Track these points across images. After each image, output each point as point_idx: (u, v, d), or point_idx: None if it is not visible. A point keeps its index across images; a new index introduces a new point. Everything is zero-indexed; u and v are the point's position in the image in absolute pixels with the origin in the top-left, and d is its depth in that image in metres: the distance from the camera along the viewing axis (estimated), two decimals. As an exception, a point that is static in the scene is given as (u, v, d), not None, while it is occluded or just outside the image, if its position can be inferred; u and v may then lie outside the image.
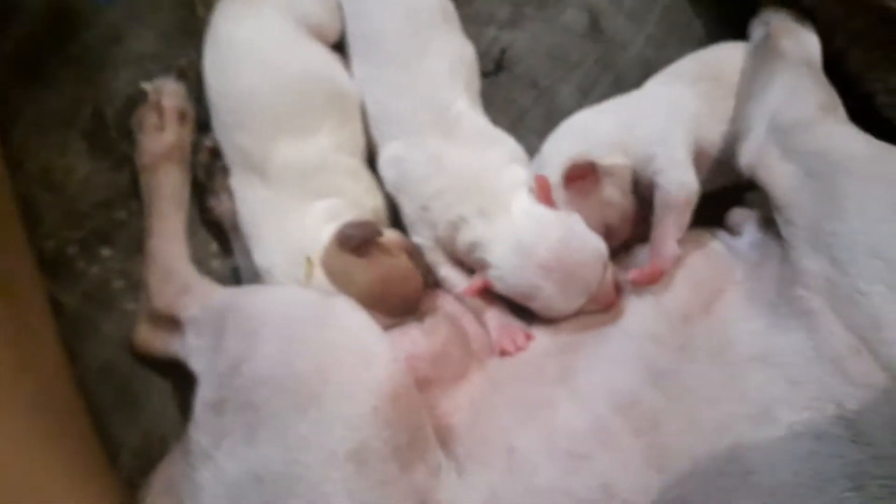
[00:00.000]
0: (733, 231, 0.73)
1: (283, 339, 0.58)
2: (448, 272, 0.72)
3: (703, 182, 0.69)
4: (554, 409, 0.60)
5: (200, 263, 0.74)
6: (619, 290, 0.69)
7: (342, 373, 0.57)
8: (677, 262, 0.67)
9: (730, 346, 0.61)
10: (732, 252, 0.69)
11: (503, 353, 0.68)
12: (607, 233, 0.70)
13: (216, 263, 0.75)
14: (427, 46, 0.71)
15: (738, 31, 0.80)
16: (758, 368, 0.58)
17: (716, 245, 0.70)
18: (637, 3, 0.83)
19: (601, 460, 0.56)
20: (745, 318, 0.62)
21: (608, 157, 0.70)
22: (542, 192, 0.67)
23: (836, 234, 0.55)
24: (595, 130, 0.73)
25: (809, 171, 0.60)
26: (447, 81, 0.70)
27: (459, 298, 0.72)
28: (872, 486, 0.48)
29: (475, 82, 0.75)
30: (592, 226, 0.69)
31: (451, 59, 0.72)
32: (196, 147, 0.73)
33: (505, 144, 0.72)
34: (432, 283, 0.73)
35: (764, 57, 0.72)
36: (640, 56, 0.82)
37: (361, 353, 0.58)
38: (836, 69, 0.72)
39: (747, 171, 0.67)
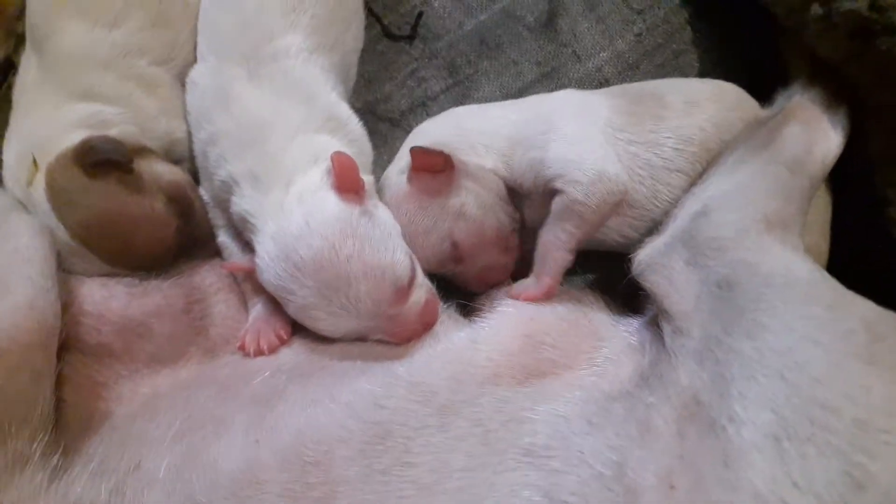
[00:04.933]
0: (639, 307, 0.57)
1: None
2: (225, 239, 0.57)
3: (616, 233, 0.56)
4: (218, 437, 0.46)
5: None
6: (429, 321, 0.52)
7: None
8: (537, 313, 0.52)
9: (512, 427, 0.46)
10: (611, 328, 0.53)
11: (242, 349, 0.53)
12: (453, 253, 0.55)
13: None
14: None
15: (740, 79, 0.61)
16: (522, 466, 0.44)
17: (594, 313, 0.54)
18: (615, 9, 0.65)
19: None
20: (560, 401, 0.47)
21: (478, 158, 0.55)
22: (339, 176, 0.49)
23: (738, 351, 0.43)
24: (475, 125, 0.57)
25: (723, 282, 0.47)
26: (279, 8, 0.54)
27: (236, 273, 0.57)
28: None
29: (343, 31, 0.58)
30: (434, 239, 0.54)
31: None
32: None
33: (322, 108, 0.54)
34: (214, 248, 0.58)
35: (756, 133, 0.55)
36: (597, 74, 0.64)
37: (12, 267, 0.44)
38: (855, 154, 0.55)
39: (636, 269, 0.52)
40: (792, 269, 0.46)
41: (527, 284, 0.53)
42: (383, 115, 0.65)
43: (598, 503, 0.40)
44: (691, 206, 0.52)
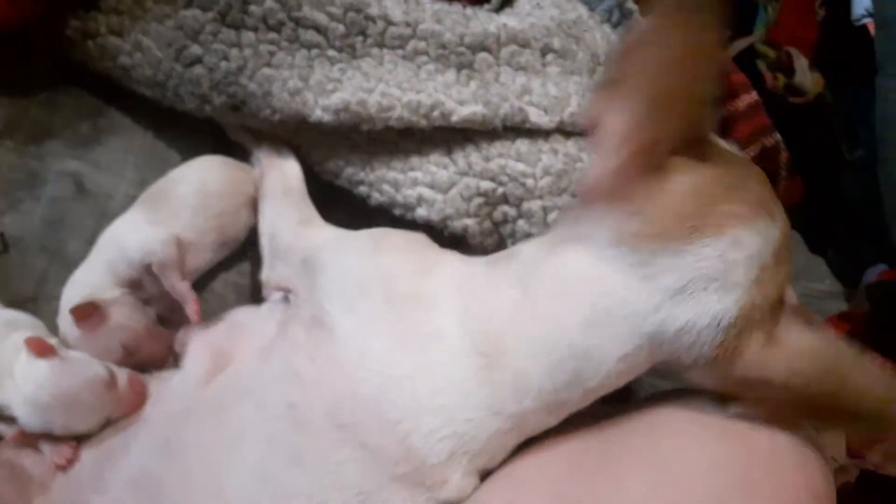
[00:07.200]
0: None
1: None
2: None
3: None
4: None
5: None
6: (140, 391, 0.85)
7: None
8: (208, 335, 0.87)
9: (227, 391, 0.79)
10: (258, 314, 0.89)
11: (59, 468, 0.81)
12: (129, 348, 0.87)
13: None
14: None
15: (210, 152, 1.01)
16: (239, 403, 0.76)
17: (245, 312, 0.91)
18: (113, 156, 1.01)
19: None
20: (247, 360, 0.81)
21: (107, 291, 0.89)
22: (34, 349, 0.80)
23: (319, 284, 0.76)
24: (84, 278, 0.90)
25: (299, 263, 0.83)
26: None
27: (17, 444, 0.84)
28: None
29: None
30: (112, 349, 0.86)
31: None
32: None
33: (2, 320, 0.86)
34: None
35: (261, 193, 0.95)
36: (127, 197, 0.98)
37: None
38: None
39: (265, 283, 0.90)
40: (327, 236, 0.84)
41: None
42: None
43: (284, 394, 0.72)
44: (264, 242, 0.91)
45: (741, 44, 1.54)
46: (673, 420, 0.66)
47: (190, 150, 1.02)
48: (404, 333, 0.71)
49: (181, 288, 0.88)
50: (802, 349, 0.59)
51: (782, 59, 1.51)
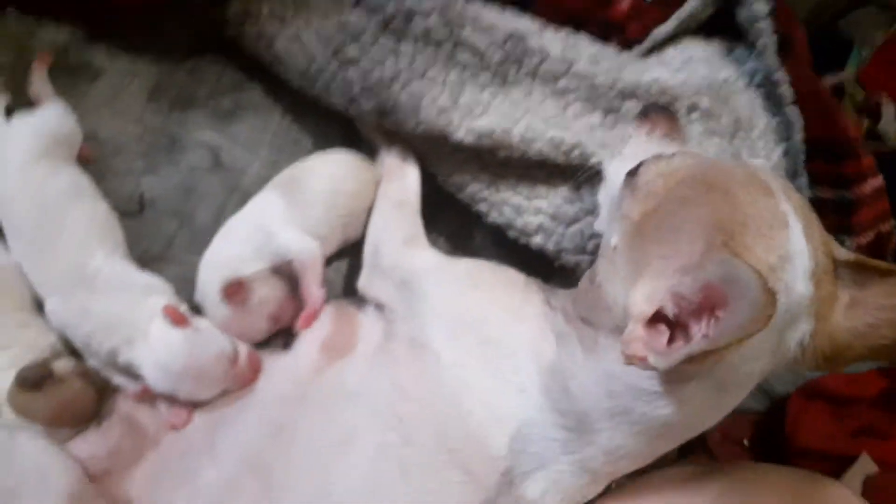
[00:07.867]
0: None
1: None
2: (120, 380, 0.90)
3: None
4: (199, 472, 0.81)
5: None
6: (257, 368, 0.90)
7: (27, 488, 0.74)
8: (321, 326, 0.91)
9: (338, 388, 0.83)
10: (367, 317, 0.92)
11: (174, 427, 0.88)
12: (274, 319, 0.92)
13: None
14: (61, 221, 0.89)
15: (338, 142, 1.04)
16: (350, 404, 0.80)
17: (354, 311, 0.93)
18: (250, 134, 1.04)
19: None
20: (357, 362, 0.85)
21: (248, 268, 0.92)
22: (172, 318, 0.86)
23: (421, 310, 0.82)
24: (228, 254, 0.94)
25: (399, 283, 0.87)
26: (82, 245, 0.89)
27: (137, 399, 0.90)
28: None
29: (114, 233, 0.93)
30: (257, 321, 0.92)
31: (83, 225, 0.90)
32: None
33: (140, 282, 0.91)
34: (112, 389, 0.91)
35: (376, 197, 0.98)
36: (259, 176, 1.02)
37: (40, 471, 0.76)
38: None
39: (361, 292, 0.93)
40: (428, 263, 0.86)
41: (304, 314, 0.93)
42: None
43: (389, 401, 0.77)
44: (368, 248, 0.94)
45: (831, 80, 1.54)
46: (770, 487, 0.71)
47: (321, 139, 1.06)
48: (499, 378, 0.76)
49: (315, 294, 0.93)
50: (883, 295, 0.61)
51: (871, 103, 1.52)
